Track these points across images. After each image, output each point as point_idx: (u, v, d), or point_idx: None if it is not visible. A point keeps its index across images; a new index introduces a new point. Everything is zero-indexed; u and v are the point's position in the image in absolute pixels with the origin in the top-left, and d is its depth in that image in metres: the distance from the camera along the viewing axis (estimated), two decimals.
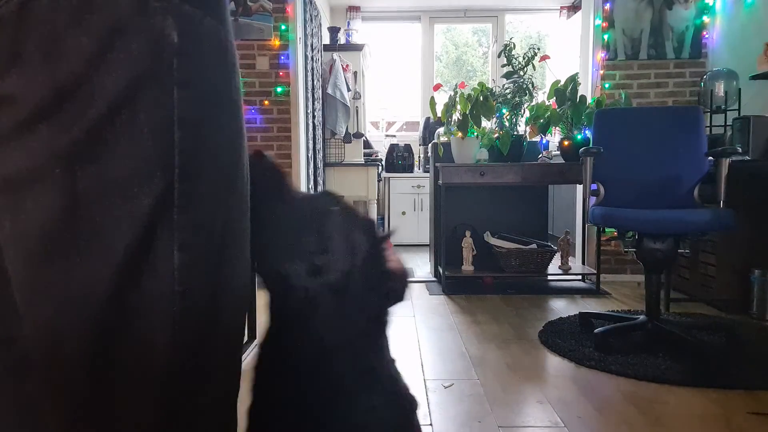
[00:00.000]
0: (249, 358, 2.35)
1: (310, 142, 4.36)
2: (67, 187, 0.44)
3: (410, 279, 0.75)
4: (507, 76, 3.70)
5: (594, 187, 2.69)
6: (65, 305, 0.46)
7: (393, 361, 0.77)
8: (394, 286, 0.73)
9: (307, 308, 0.67)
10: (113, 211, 0.45)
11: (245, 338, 2.51)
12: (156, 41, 0.46)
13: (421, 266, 4.50)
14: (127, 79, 0.45)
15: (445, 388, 2.05)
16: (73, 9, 0.43)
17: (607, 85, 3.96)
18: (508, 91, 3.64)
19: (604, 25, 3.95)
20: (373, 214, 5.20)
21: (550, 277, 3.91)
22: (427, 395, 1.97)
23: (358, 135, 5.22)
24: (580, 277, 3.90)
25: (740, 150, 2.86)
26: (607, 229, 2.67)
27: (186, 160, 0.47)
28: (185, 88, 0.47)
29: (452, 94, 3.62)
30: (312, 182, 4.43)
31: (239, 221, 0.54)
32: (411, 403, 0.78)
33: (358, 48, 5.31)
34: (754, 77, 3.17)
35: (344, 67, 5.01)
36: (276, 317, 0.71)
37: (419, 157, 6.03)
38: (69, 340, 0.46)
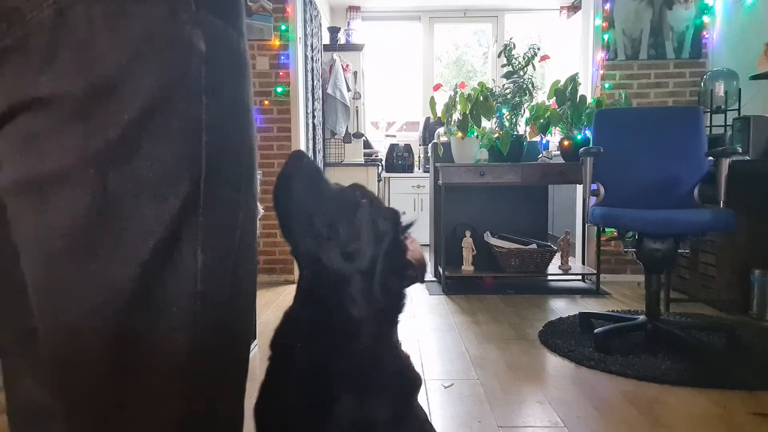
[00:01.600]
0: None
1: (310, 142, 4.36)
2: (98, 187, 0.45)
3: (426, 264, 0.85)
4: (507, 76, 3.70)
5: (594, 187, 2.69)
6: (89, 305, 0.46)
7: (399, 342, 0.87)
8: (414, 272, 0.84)
9: (338, 286, 0.77)
10: (142, 211, 0.46)
11: None
12: (185, 49, 0.47)
13: None
14: (159, 84, 0.46)
15: (445, 388, 2.05)
16: (107, 17, 0.44)
17: (607, 85, 3.96)
18: (508, 91, 3.64)
19: (604, 25, 3.95)
20: None
21: (550, 277, 3.91)
22: (427, 395, 1.97)
23: (358, 135, 5.22)
24: (580, 277, 3.90)
25: (740, 150, 2.86)
26: (607, 229, 2.67)
27: (211, 163, 0.49)
28: (212, 94, 0.49)
29: (452, 94, 3.62)
30: None
31: (252, 223, 0.56)
32: (415, 381, 0.86)
33: (358, 48, 5.31)
34: (754, 77, 3.17)
35: (344, 67, 5.01)
36: (307, 292, 0.80)
37: (419, 157, 6.03)
38: (91, 341, 0.47)
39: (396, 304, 0.84)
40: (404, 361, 0.86)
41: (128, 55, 0.45)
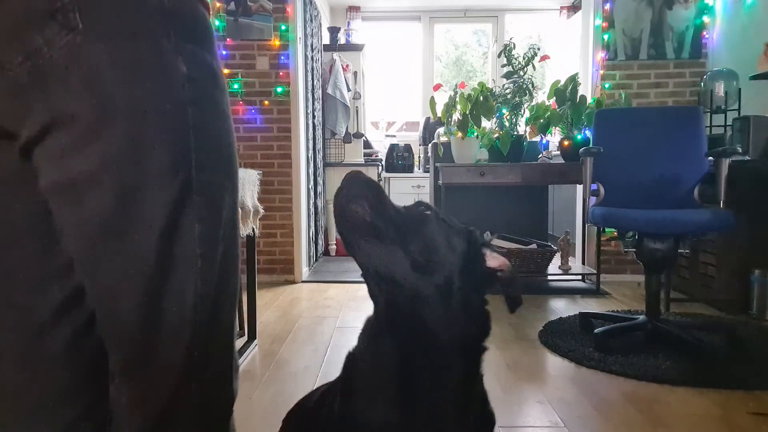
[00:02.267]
0: (249, 357, 2.35)
1: (310, 142, 4.36)
2: (118, 183, 0.59)
3: (516, 276, 0.80)
4: (507, 76, 3.70)
5: (594, 187, 2.69)
6: (123, 272, 0.62)
7: (482, 375, 0.81)
8: (502, 280, 0.80)
9: (415, 304, 0.74)
10: (152, 198, 0.60)
11: (245, 338, 2.51)
12: (171, 72, 0.61)
13: None
14: (152, 100, 0.60)
15: None
16: (108, 52, 0.58)
17: (607, 85, 3.95)
18: (508, 91, 3.63)
19: (604, 25, 3.95)
20: None
21: (550, 277, 3.91)
22: None
23: (358, 135, 5.22)
24: (580, 277, 3.90)
25: (740, 150, 2.86)
26: (607, 229, 2.67)
27: (199, 157, 0.63)
28: (195, 104, 0.63)
29: (452, 94, 3.62)
30: (312, 182, 4.43)
31: (234, 199, 0.70)
32: (491, 422, 0.82)
33: (358, 48, 5.31)
34: (754, 77, 3.17)
35: (344, 67, 5.01)
36: (384, 312, 0.78)
37: (419, 157, 6.02)
38: (126, 301, 0.62)
39: (479, 323, 0.79)
40: (486, 402, 0.80)
41: (125, 80, 0.59)
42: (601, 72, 3.97)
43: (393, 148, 5.96)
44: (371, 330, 0.80)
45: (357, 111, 5.24)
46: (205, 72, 0.65)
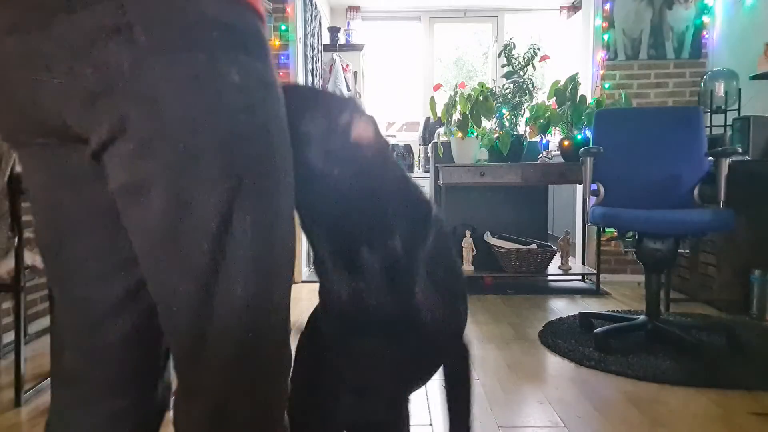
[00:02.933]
0: None
1: None
2: (176, 187, 0.63)
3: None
4: (507, 76, 3.70)
5: (594, 187, 2.69)
6: (176, 272, 0.66)
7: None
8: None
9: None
10: (206, 200, 0.64)
11: None
12: (224, 82, 0.64)
13: None
14: (207, 109, 0.64)
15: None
16: (168, 65, 0.62)
17: (607, 86, 3.95)
18: (508, 91, 3.64)
19: (604, 25, 3.95)
20: None
21: (550, 277, 3.91)
22: (427, 395, 1.97)
23: None
24: (580, 277, 3.90)
25: (740, 150, 2.86)
26: (607, 229, 2.67)
27: (250, 163, 0.67)
28: (247, 112, 0.66)
29: (452, 94, 3.62)
30: None
31: (286, 203, 0.72)
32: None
33: (358, 48, 5.32)
34: (754, 77, 3.17)
35: (344, 67, 5.01)
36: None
37: (419, 157, 6.03)
38: (180, 298, 0.66)
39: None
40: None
41: (183, 90, 0.62)
42: (601, 72, 3.97)
43: (393, 148, 5.97)
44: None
45: None
46: (258, 82, 0.68)
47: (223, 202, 0.65)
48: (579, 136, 3.53)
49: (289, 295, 0.75)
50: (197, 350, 0.68)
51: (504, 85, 3.70)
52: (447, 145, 3.77)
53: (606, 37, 3.95)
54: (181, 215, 0.64)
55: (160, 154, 0.63)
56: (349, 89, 5.04)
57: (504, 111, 3.63)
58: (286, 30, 3.92)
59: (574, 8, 5.53)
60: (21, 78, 0.65)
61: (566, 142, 3.57)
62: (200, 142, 0.64)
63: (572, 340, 2.54)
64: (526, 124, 3.71)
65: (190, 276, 0.66)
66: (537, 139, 3.86)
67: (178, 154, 0.63)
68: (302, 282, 3.92)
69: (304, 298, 3.45)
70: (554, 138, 4.09)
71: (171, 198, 0.64)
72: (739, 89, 3.44)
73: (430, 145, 4.20)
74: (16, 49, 0.64)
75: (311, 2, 4.43)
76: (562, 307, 3.23)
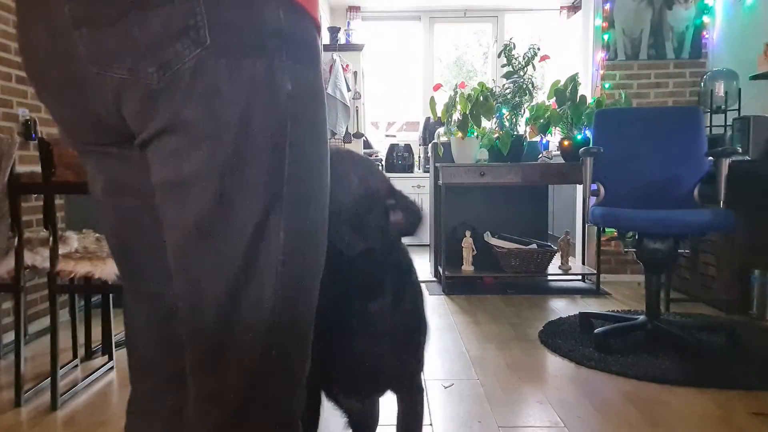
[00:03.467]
0: None
1: None
2: (217, 188, 0.64)
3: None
4: (507, 76, 3.70)
5: (594, 187, 2.69)
6: (208, 272, 0.67)
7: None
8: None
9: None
10: (245, 204, 0.65)
11: None
12: (277, 89, 0.66)
13: (421, 266, 4.50)
14: (259, 114, 0.65)
15: (445, 388, 2.05)
16: (228, 68, 0.63)
17: (607, 85, 3.96)
18: (508, 91, 3.63)
19: (604, 25, 3.95)
20: None
21: (550, 277, 3.91)
22: (427, 396, 1.97)
23: (358, 135, 5.22)
24: (580, 277, 3.90)
25: (740, 150, 2.86)
26: (607, 229, 2.67)
27: (292, 170, 0.68)
28: (294, 120, 0.67)
29: (452, 94, 3.62)
30: None
31: (320, 213, 0.74)
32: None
33: (358, 48, 5.32)
34: (754, 77, 3.17)
35: (344, 67, 5.01)
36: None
37: (419, 157, 6.02)
38: (208, 298, 0.67)
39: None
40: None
41: (238, 94, 0.64)
42: (601, 72, 3.97)
43: (393, 148, 5.97)
44: None
45: (357, 111, 5.24)
46: (308, 90, 0.69)
47: (263, 207, 0.66)
48: (579, 136, 3.53)
49: (314, 305, 0.76)
50: (219, 354, 0.68)
51: (504, 85, 3.70)
52: (447, 145, 3.77)
53: (606, 37, 3.95)
54: (221, 216, 0.65)
55: (208, 153, 0.64)
56: (349, 89, 5.04)
57: (504, 111, 3.63)
58: None
59: (574, 8, 5.53)
60: (84, 72, 0.66)
61: (566, 142, 3.57)
62: (249, 147, 0.65)
63: (572, 340, 2.54)
64: (526, 124, 3.71)
65: (220, 276, 0.67)
66: (537, 139, 3.86)
67: (227, 156, 0.64)
68: None
69: None
70: (554, 138, 4.09)
71: (213, 198, 0.65)
72: (739, 89, 3.44)
73: (430, 145, 4.20)
74: (82, 42, 0.65)
75: None
76: (562, 307, 3.23)
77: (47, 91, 0.73)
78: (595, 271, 3.68)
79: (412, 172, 5.92)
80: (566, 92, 3.53)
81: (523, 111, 3.66)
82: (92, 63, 0.65)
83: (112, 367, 2.26)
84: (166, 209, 0.68)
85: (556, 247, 3.78)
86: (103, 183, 0.78)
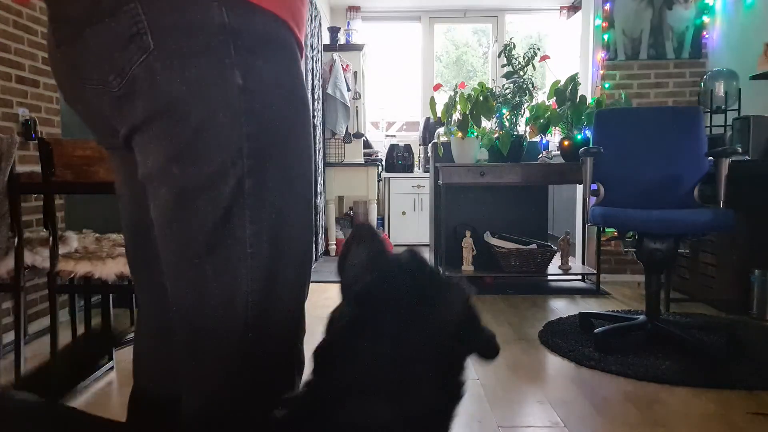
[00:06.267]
0: None
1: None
2: (177, 182, 0.68)
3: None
4: (507, 76, 3.70)
5: (594, 187, 2.69)
6: (179, 259, 0.70)
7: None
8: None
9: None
10: (206, 197, 0.68)
11: None
12: (227, 84, 0.67)
13: None
14: (209, 109, 0.67)
15: None
16: (179, 68, 0.66)
17: (607, 85, 3.95)
18: (508, 91, 3.63)
19: (604, 25, 3.95)
20: (373, 215, 5.20)
21: (550, 277, 3.91)
22: None
23: (358, 135, 5.21)
24: (580, 277, 3.90)
25: (740, 150, 2.85)
26: (607, 229, 2.67)
27: (252, 162, 0.69)
28: (250, 114, 0.68)
29: (452, 94, 3.62)
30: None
31: (294, 202, 0.74)
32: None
33: (358, 48, 5.31)
34: (754, 77, 3.17)
35: (344, 67, 5.01)
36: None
37: (419, 157, 6.02)
38: (181, 285, 0.71)
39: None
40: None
41: (189, 92, 0.67)
42: (601, 72, 3.97)
43: (393, 148, 5.96)
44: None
45: (357, 111, 5.24)
46: (265, 84, 0.70)
47: (224, 199, 0.68)
48: (579, 136, 3.53)
49: (300, 291, 0.77)
50: (196, 340, 0.72)
51: (504, 85, 3.70)
52: (447, 145, 3.77)
53: (606, 37, 3.95)
54: (183, 207, 0.69)
55: (166, 149, 0.68)
56: (349, 89, 5.04)
57: (504, 111, 3.63)
58: None
59: (574, 8, 5.53)
60: (77, 84, 0.73)
61: (566, 142, 3.56)
62: (203, 141, 0.67)
63: (572, 340, 2.54)
64: (526, 124, 3.71)
65: (188, 265, 0.70)
66: (537, 139, 3.86)
67: (183, 151, 0.67)
68: None
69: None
70: (554, 138, 4.09)
71: (175, 190, 0.68)
72: (739, 89, 3.44)
73: (430, 145, 4.20)
74: (63, 61, 0.72)
75: (311, 2, 4.42)
76: (562, 307, 3.23)
77: (67, 100, 0.80)
78: (595, 271, 3.68)
79: (412, 172, 5.92)
80: (566, 92, 3.53)
81: (523, 111, 3.66)
82: (76, 77, 0.72)
83: (112, 367, 2.26)
84: (150, 203, 0.73)
85: (556, 247, 3.78)
86: (120, 179, 0.85)
